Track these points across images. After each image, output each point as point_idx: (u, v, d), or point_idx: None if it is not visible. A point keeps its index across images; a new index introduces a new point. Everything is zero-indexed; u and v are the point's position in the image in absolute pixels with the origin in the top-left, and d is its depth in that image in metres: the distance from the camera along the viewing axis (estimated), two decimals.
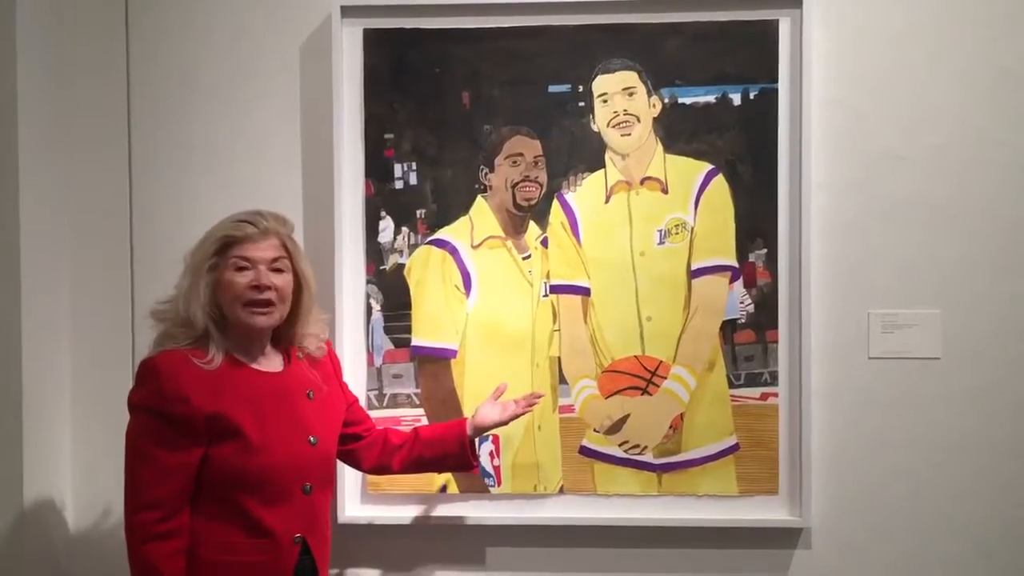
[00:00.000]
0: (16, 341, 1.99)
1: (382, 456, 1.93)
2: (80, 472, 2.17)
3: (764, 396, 2.09)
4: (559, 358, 2.11)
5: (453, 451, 1.92)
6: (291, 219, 1.78)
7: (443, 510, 2.13)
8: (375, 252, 2.13)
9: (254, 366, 1.74)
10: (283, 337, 1.80)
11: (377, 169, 2.12)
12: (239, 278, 1.68)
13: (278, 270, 1.71)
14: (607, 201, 2.10)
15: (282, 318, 1.74)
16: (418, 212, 2.12)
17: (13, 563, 1.99)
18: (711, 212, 2.09)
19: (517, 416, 1.96)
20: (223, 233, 1.70)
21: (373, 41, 2.11)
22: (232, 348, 1.72)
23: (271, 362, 1.78)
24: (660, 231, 2.10)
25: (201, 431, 1.64)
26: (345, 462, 1.99)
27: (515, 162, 2.11)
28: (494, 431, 2.08)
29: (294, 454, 1.70)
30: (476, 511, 2.12)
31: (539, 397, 2.00)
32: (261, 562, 1.67)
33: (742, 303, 2.09)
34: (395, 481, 2.10)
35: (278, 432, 1.69)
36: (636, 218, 2.10)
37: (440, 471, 2.06)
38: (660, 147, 2.10)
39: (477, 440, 2.02)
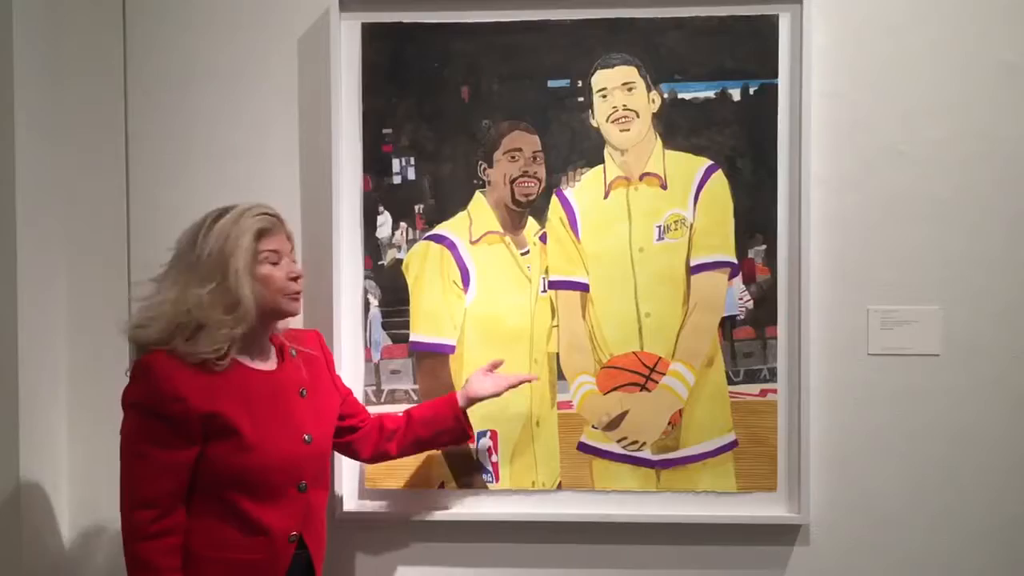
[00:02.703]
0: (12, 337, 1.99)
1: (379, 443, 1.94)
2: (77, 469, 2.16)
3: (763, 392, 2.08)
4: (557, 354, 2.11)
5: (448, 426, 1.93)
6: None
7: (441, 506, 2.12)
8: (373, 247, 2.12)
9: (250, 364, 1.74)
10: (277, 329, 1.81)
11: (375, 164, 2.12)
12: (276, 271, 1.72)
13: (293, 259, 1.78)
14: (606, 197, 2.10)
15: None
16: (416, 207, 2.12)
17: (10, 560, 1.99)
18: (710, 208, 2.08)
19: (511, 387, 1.96)
20: (257, 226, 1.69)
21: (372, 35, 2.10)
22: (236, 346, 1.71)
23: (266, 360, 1.77)
24: (659, 227, 2.09)
25: (196, 430, 1.63)
26: (343, 454, 1.99)
27: (514, 157, 2.11)
28: (493, 425, 2.09)
29: (289, 452, 1.70)
30: (474, 507, 2.12)
31: (533, 379, 2.02)
32: (256, 560, 1.67)
33: (741, 299, 2.09)
34: (393, 476, 2.10)
35: (272, 431, 1.69)
36: (635, 214, 2.09)
37: (438, 447, 2.06)
38: (659, 142, 2.09)
39: (476, 435, 2.02)
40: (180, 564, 1.64)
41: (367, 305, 2.12)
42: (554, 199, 2.10)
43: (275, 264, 1.72)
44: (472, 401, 1.95)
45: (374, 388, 2.12)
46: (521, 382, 1.98)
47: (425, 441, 1.96)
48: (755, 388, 2.08)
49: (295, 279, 1.74)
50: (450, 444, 2.02)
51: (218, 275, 1.65)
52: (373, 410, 2.06)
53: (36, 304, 2.05)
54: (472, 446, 2.10)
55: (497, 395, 1.96)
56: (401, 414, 1.98)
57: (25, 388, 2.01)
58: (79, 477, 2.16)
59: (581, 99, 2.09)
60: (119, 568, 1.64)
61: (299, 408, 1.75)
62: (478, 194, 2.11)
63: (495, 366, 2.01)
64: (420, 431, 1.94)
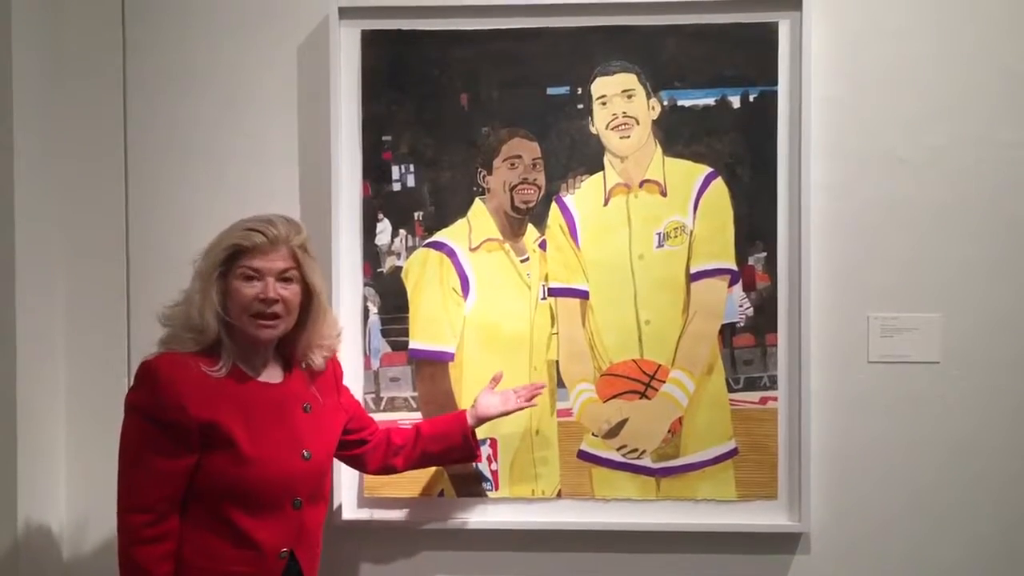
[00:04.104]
0: (11, 344, 1.98)
1: (386, 457, 1.94)
2: (75, 476, 2.15)
3: (763, 400, 2.08)
4: (557, 361, 2.10)
5: (456, 444, 1.93)
6: (305, 227, 1.74)
7: (440, 514, 2.11)
8: (372, 254, 2.12)
9: (254, 375, 1.73)
10: (287, 347, 1.78)
11: (375, 171, 2.11)
12: (246, 289, 1.66)
13: (287, 279, 1.69)
14: (606, 204, 2.10)
15: (287, 329, 1.72)
16: (416, 214, 2.11)
17: (9, 568, 1.98)
18: (710, 215, 2.08)
19: (520, 409, 1.97)
20: (232, 242, 1.67)
21: (371, 42, 2.10)
22: (236, 356, 1.70)
23: (271, 372, 1.76)
24: (659, 234, 2.09)
25: (194, 439, 1.63)
26: (350, 466, 1.99)
27: (513, 164, 2.10)
28: (492, 434, 2.09)
29: (286, 468, 1.69)
30: (474, 515, 2.11)
31: (541, 387, 2.01)
32: (245, 573, 1.66)
33: (741, 306, 2.08)
34: (393, 485, 2.09)
35: (271, 445, 1.68)
36: (635, 221, 2.09)
37: (445, 464, 2.06)
38: (659, 150, 2.09)
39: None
40: (172, 570, 1.63)
41: (366, 312, 2.12)
42: (554, 206, 2.10)
43: (248, 280, 1.66)
44: (481, 421, 1.95)
45: (373, 396, 2.12)
46: (532, 396, 1.98)
47: (433, 456, 1.96)
48: (755, 396, 2.08)
49: (264, 301, 1.65)
50: (458, 462, 2.02)
51: (197, 285, 1.68)
52: (373, 418, 2.06)
53: (34, 307, 2.05)
54: (478, 465, 2.09)
55: (506, 414, 1.96)
56: (409, 428, 1.98)
57: (23, 393, 2.00)
58: (77, 483, 2.15)
59: (580, 106, 2.09)
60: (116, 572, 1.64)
61: (301, 423, 1.74)
62: (477, 201, 2.11)
63: (497, 380, 2.00)
64: (428, 447, 1.94)
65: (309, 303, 1.74)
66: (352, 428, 1.90)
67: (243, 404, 1.68)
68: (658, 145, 2.09)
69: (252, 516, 1.66)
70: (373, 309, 2.12)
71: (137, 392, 1.66)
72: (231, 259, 1.67)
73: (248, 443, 1.65)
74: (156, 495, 1.62)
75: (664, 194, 2.09)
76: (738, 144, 2.07)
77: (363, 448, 1.93)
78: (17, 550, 2.00)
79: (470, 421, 1.94)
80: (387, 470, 1.96)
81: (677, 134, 2.08)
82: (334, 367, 1.89)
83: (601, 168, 2.09)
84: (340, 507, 2.10)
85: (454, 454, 1.96)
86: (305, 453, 1.72)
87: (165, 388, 1.62)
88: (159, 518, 1.62)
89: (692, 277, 2.08)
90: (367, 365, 2.12)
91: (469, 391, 2.09)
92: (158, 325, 1.72)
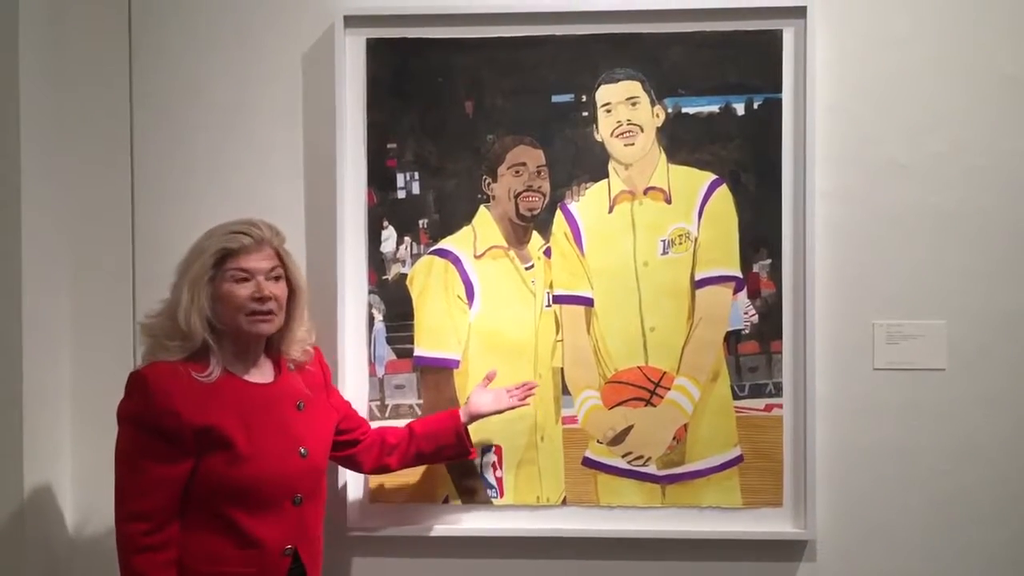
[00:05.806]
0: (17, 348, 1.98)
1: (380, 457, 1.94)
2: (80, 478, 2.15)
3: (768, 407, 2.08)
4: (562, 368, 2.10)
5: (449, 442, 1.94)
6: (283, 229, 1.79)
7: (445, 521, 2.11)
8: (377, 262, 2.12)
9: (245, 377, 1.74)
10: (275, 345, 1.80)
11: (379, 178, 2.12)
12: (240, 290, 1.69)
13: (275, 278, 1.73)
14: (610, 211, 2.10)
15: (281, 325, 1.76)
16: (420, 222, 2.12)
17: (13, 568, 1.98)
18: (715, 222, 2.08)
19: (512, 408, 1.97)
20: (220, 245, 1.70)
21: (376, 50, 2.11)
22: (226, 359, 1.72)
23: (262, 373, 1.78)
24: (663, 241, 2.09)
25: (190, 444, 1.64)
26: (345, 466, 2.00)
27: (518, 172, 2.11)
28: (497, 442, 2.09)
29: (284, 465, 1.70)
30: (478, 522, 2.11)
31: (533, 387, 2.01)
32: (249, 573, 1.67)
33: (746, 313, 2.08)
34: (397, 491, 2.09)
35: (268, 443, 1.69)
36: (639, 228, 2.09)
37: (440, 462, 2.06)
38: (663, 157, 2.09)
39: (479, 450, 2.02)
40: None
41: (371, 320, 2.12)
42: (558, 213, 2.10)
43: (240, 281, 1.69)
44: (474, 418, 1.95)
45: (378, 403, 2.12)
46: (525, 395, 1.98)
47: (427, 455, 1.96)
48: (760, 403, 2.08)
49: (259, 299, 1.70)
50: (452, 460, 2.03)
51: (185, 292, 1.69)
52: (377, 425, 2.06)
53: (40, 315, 2.05)
54: (475, 461, 2.09)
55: (499, 412, 1.96)
56: (403, 427, 1.98)
57: (29, 396, 2.00)
58: (82, 485, 2.15)
59: (585, 114, 2.09)
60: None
61: (296, 421, 1.76)
62: (482, 208, 2.11)
63: (490, 379, 2.01)
64: (422, 446, 1.94)
65: (292, 301, 1.78)
66: (344, 428, 1.91)
67: (237, 405, 1.69)
68: (662, 152, 2.09)
69: (253, 515, 1.67)
70: (378, 316, 2.12)
71: (129, 403, 1.67)
72: (219, 263, 1.70)
73: (245, 442, 1.66)
74: (154, 503, 1.62)
75: (668, 201, 2.09)
76: (742, 151, 2.08)
77: (356, 448, 1.93)
78: (24, 550, 2.00)
79: (463, 419, 1.95)
80: (382, 470, 1.97)
81: (681, 141, 2.09)
82: (322, 367, 1.91)
83: (606, 175, 2.10)
84: (345, 513, 2.09)
85: (448, 452, 1.96)
86: (302, 450, 1.73)
87: (157, 397, 1.63)
88: (158, 526, 1.63)
89: (697, 284, 2.08)
90: (372, 372, 2.12)
91: None
92: None
